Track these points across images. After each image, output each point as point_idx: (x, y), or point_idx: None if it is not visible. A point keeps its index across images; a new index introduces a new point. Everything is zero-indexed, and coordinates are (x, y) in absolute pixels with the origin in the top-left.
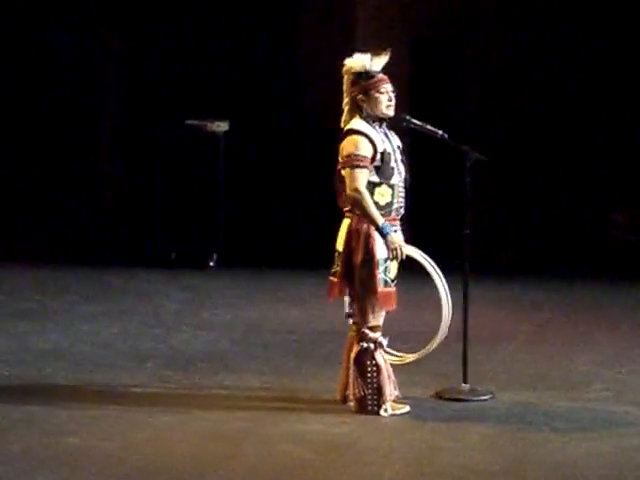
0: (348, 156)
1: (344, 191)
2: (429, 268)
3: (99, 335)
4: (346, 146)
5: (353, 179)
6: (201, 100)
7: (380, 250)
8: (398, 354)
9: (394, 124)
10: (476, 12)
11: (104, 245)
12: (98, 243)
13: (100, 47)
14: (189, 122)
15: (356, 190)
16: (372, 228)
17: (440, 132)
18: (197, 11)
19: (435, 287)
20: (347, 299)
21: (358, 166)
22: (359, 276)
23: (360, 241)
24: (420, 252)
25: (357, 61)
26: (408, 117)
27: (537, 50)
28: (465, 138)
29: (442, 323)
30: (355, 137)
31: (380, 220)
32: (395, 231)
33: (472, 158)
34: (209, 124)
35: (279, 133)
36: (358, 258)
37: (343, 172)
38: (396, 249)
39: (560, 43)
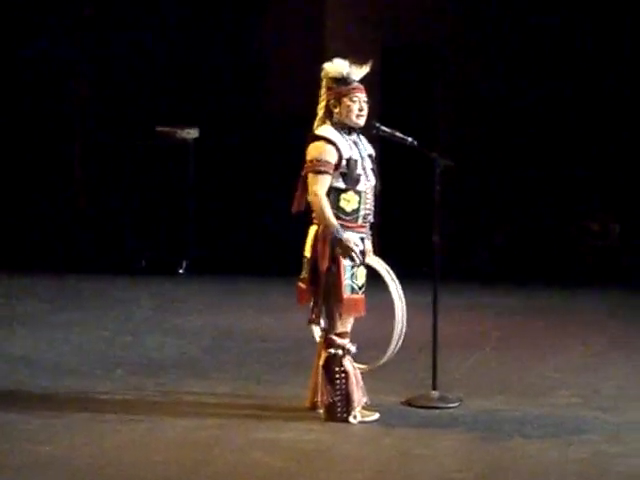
0: (311, 161)
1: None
2: (387, 278)
3: (70, 342)
4: (311, 151)
5: (314, 183)
6: (171, 107)
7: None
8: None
9: (364, 131)
10: (448, 21)
11: (74, 252)
12: (68, 250)
13: (71, 54)
14: (159, 129)
15: (315, 194)
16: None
17: (409, 139)
18: (168, 19)
19: (391, 299)
20: (311, 305)
21: (320, 171)
22: (326, 282)
23: (327, 247)
24: (380, 261)
25: (335, 67)
26: (378, 124)
27: (509, 57)
28: (436, 146)
29: (394, 336)
30: (320, 143)
31: (334, 224)
32: (362, 239)
33: (441, 165)
34: (179, 131)
35: (249, 140)
36: (324, 264)
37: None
38: (348, 248)
39: (533, 49)
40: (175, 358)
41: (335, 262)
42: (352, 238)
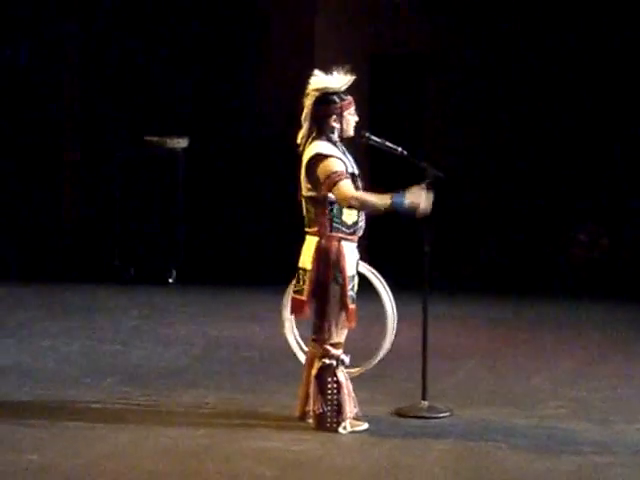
0: (328, 176)
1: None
2: (374, 280)
3: (59, 351)
4: (322, 170)
5: (343, 191)
6: (160, 116)
7: (350, 267)
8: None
9: (354, 141)
10: (436, 28)
11: (63, 261)
12: (57, 259)
13: (59, 63)
14: (148, 138)
15: (352, 198)
16: (342, 245)
17: (399, 149)
18: (158, 28)
19: (381, 302)
20: (311, 317)
21: (341, 179)
22: (330, 294)
23: (330, 259)
24: (367, 266)
25: (330, 82)
26: (368, 134)
27: (499, 65)
28: (425, 155)
29: (386, 338)
30: (329, 161)
31: (387, 199)
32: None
33: (431, 175)
34: (168, 140)
35: (238, 150)
36: (329, 275)
37: (331, 192)
38: (419, 206)
39: (523, 57)
40: (164, 367)
41: (341, 272)
42: (414, 195)
